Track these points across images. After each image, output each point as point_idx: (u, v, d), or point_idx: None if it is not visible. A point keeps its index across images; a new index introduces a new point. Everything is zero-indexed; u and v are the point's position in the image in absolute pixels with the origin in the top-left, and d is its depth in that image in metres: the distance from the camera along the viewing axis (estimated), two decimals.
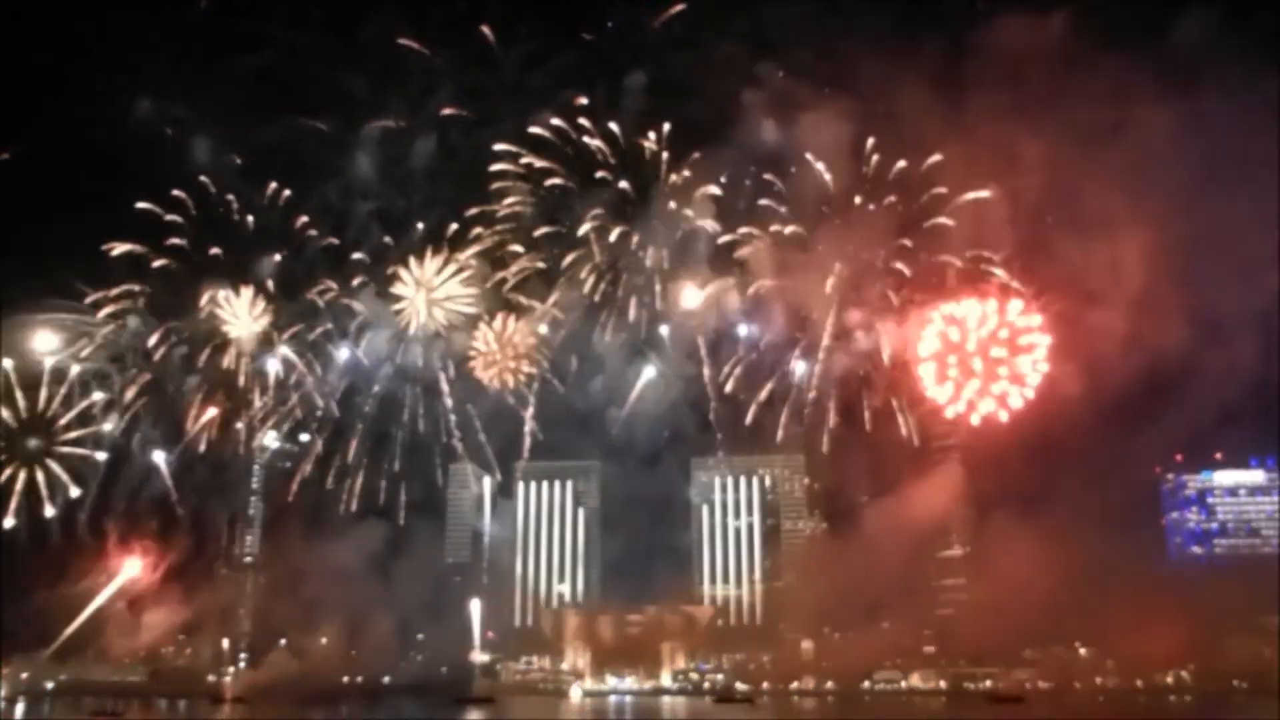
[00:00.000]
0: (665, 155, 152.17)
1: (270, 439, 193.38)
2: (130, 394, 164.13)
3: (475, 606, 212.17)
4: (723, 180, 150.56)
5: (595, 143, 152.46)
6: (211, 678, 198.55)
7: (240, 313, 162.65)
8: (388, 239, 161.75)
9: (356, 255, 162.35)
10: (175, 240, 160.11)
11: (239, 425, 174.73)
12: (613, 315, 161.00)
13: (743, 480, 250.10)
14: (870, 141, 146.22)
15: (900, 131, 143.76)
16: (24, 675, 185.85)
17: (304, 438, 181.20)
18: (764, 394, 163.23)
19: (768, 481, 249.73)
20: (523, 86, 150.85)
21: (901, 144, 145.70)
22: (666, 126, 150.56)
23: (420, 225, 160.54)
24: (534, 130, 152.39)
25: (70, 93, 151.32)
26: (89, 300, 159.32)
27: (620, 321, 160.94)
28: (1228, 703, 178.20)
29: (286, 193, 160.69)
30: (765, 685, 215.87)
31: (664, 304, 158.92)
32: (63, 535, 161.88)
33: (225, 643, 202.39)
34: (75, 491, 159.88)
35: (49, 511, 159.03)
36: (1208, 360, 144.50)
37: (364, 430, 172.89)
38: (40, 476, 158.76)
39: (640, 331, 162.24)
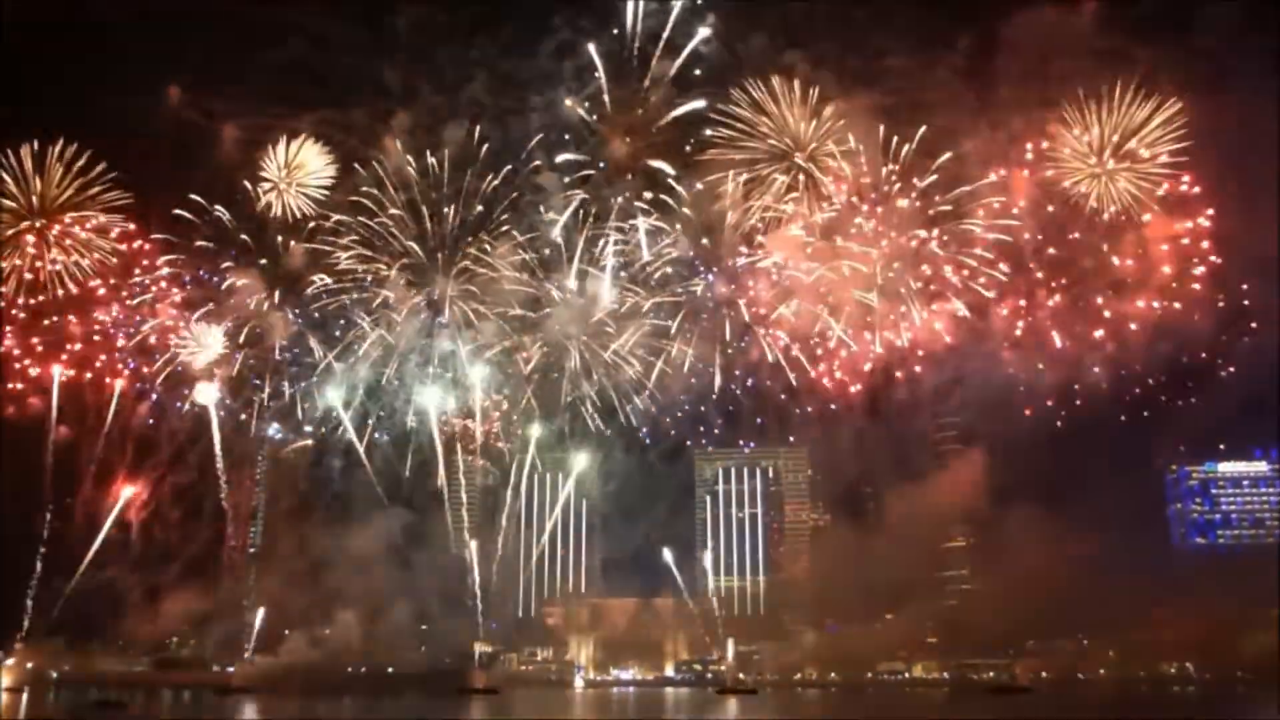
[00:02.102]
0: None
1: (274, 429, 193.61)
2: None
3: (478, 597, 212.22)
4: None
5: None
6: (216, 668, 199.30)
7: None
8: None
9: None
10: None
11: (243, 416, 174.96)
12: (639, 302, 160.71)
13: (746, 471, 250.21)
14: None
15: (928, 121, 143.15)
16: (29, 665, 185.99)
17: (308, 428, 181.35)
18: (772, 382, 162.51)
19: (771, 473, 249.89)
20: (555, 75, 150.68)
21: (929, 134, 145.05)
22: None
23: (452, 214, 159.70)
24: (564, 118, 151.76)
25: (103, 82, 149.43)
26: None
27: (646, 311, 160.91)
28: (1231, 694, 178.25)
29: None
30: (768, 676, 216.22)
31: (692, 293, 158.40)
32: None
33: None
34: None
35: None
36: (1217, 351, 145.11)
37: (371, 421, 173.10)
38: None
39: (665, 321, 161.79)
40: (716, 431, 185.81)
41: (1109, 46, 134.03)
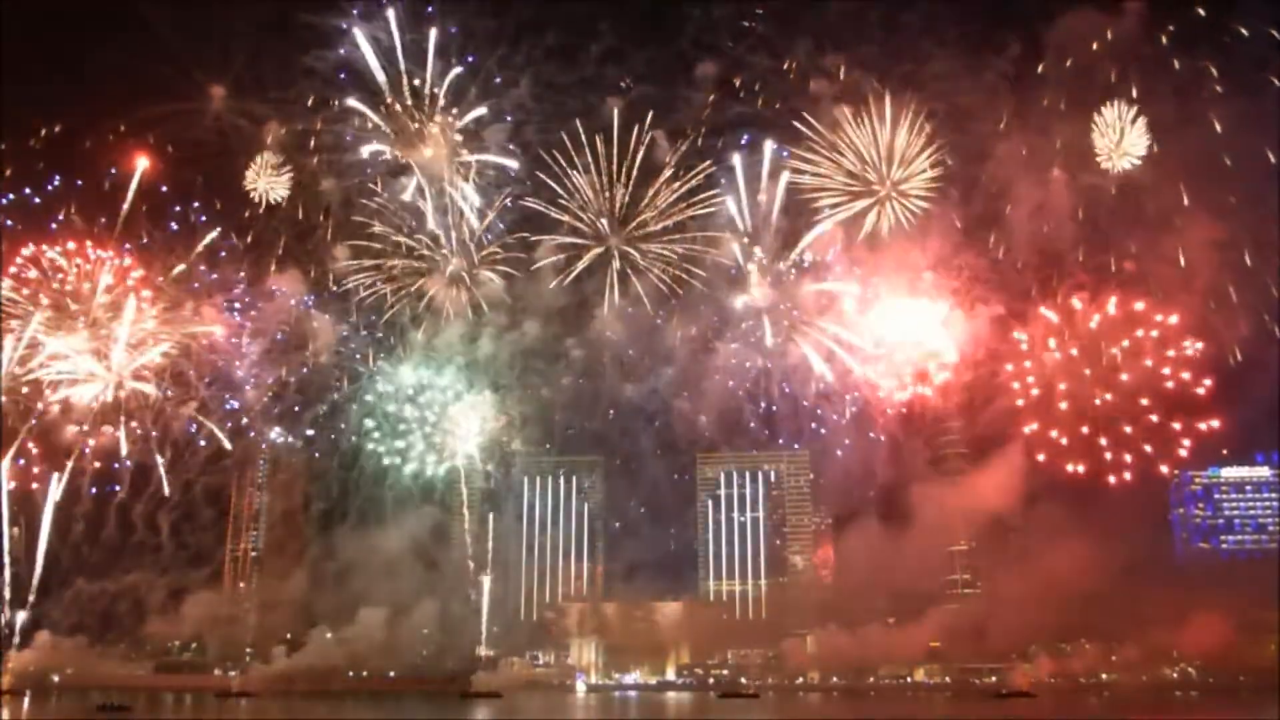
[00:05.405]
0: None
1: (275, 433, 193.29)
2: None
3: (480, 601, 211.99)
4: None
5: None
6: (218, 672, 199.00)
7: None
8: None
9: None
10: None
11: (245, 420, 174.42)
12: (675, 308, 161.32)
13: (748, 475, 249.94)
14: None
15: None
16: (30, 668, 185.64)
17: (309, 433, 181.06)
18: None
19: (773, 477, 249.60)
20: (598, 81, 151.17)
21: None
22: None
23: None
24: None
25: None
26: None
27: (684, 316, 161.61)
28: (1234, 698, 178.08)
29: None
30: (770, 680, 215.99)
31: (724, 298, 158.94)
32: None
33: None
34: None
35: None
36: (1222, 354, 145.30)
37: (371, 426, 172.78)
38: None
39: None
40: (697, 436, 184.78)
41: None
